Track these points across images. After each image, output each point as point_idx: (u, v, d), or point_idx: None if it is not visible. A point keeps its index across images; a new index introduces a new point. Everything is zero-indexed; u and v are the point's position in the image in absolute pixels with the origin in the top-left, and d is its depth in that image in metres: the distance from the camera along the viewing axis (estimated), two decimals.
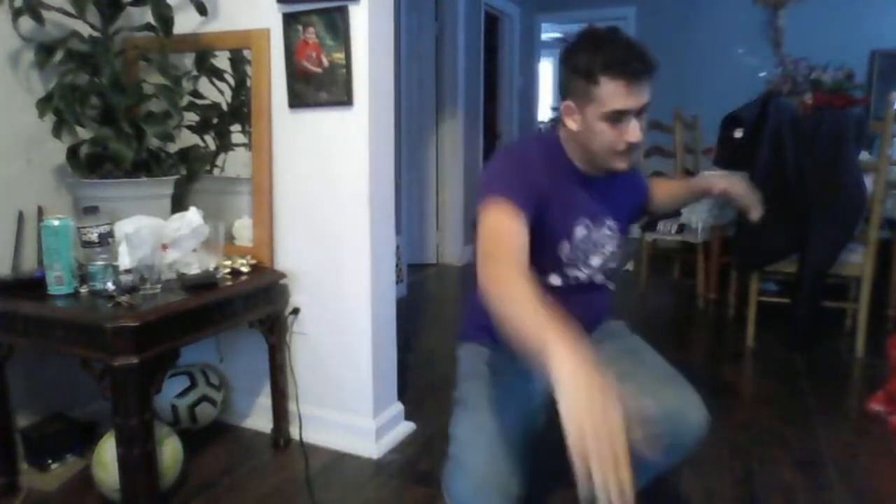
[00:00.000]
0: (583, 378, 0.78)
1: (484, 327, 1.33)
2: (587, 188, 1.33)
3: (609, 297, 1.51)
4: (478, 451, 1.11)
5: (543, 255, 1.27)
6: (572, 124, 1.26)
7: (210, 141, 2.05)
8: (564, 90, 1.25)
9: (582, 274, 1.39)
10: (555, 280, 1.36)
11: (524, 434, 1.22)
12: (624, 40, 1.19)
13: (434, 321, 3.50)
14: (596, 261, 1.39)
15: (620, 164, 1.27)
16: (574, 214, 1.32)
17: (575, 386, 0.77)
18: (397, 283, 2.83)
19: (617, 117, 1.20)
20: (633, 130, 1.22)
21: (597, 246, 1.37)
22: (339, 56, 1.79)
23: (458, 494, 1.08)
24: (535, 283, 0.99)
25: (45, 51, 1.73)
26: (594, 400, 0.76)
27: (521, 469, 1.12)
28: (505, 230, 1.12)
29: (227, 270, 1.81)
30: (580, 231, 1.33)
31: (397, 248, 3.21)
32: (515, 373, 1.24)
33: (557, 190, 1.27)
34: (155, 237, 1.65)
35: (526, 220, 1.14)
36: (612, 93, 1.18)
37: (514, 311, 0.95)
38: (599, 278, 1.42)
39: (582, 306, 1.37)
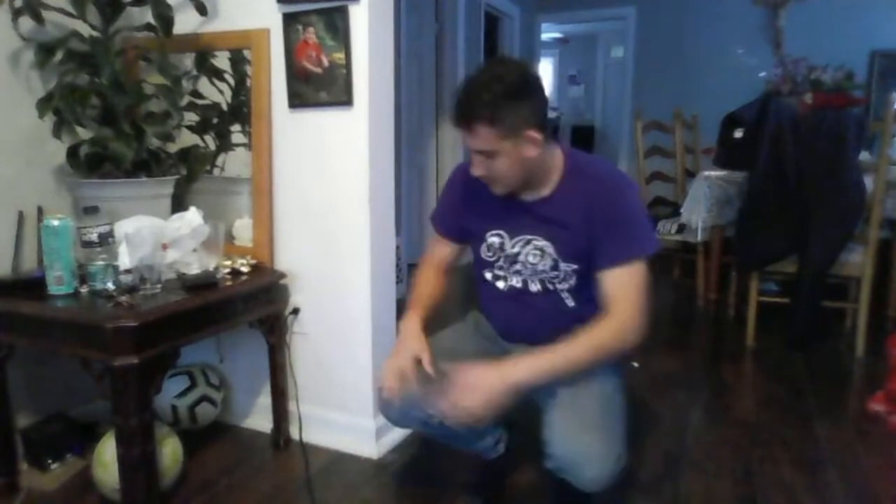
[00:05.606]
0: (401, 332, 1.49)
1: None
2: (508, 203, 1.42)
3: (568, 314, 1.43)
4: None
5: (477, 252, 1.53)
6: None
7: (210, 141, 2.05)
8: None
9: (512, 279, 1.47)
10: (488, 276, 1.52)
11: None
12: (467, 85, 1.26)
13: (434, 321, 3.48)
14: (521, 269, 1.45)
15: (490, 189, 1.39)
16: (487, 224, 1.47)
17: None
18: (397, 283, 2.83)
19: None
20: (474, 165, 1.34)
21: (516, 257, 1.44)
22: (339, 56, 1.79)
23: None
24: (439, 279, 1.59)
25: (45, 51, 1.73)
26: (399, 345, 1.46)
27: None
28: (432, 253, 1.62)
29: (227, 270, 1.81)
30: (492, 238, 1.47)
31: (397, 248, 3.21)
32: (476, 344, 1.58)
33: (474, 203, 1.49)
34: (155, 237, 1.65)
35: (451, 238, 1.58)
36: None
37: (413, 285, 1.58)
38: (535, 287, 1.45)
39: (521, 312, 1.49)
